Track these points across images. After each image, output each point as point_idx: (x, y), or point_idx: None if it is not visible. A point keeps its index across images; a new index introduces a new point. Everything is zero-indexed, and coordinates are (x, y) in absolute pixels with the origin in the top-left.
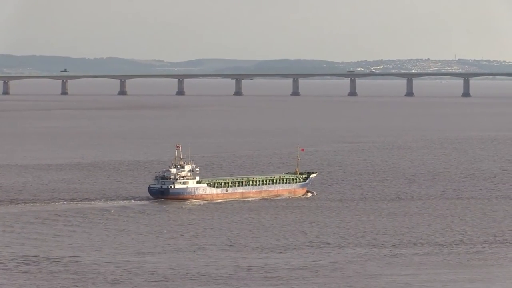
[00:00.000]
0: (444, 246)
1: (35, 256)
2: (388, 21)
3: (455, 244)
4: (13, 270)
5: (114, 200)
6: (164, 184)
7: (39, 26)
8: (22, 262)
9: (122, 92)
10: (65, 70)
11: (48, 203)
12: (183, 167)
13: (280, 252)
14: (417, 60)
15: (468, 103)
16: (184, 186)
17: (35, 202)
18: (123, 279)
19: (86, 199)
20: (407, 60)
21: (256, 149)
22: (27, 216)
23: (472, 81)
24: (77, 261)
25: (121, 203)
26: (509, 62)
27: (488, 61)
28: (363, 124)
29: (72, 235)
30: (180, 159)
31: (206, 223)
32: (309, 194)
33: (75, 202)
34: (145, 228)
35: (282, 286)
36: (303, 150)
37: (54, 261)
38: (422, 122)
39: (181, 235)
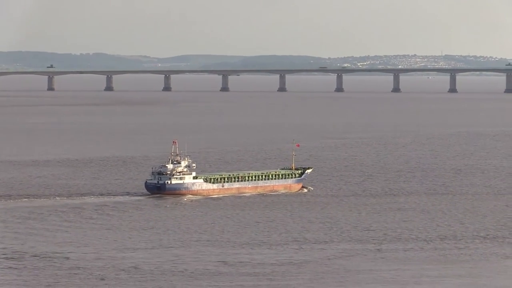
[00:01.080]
0: (431, 242)
1: (25, 252)
2: (375, 17)
3: (442, 240)
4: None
5: (99, 196)
6: (160, 179)
7: (25, 22)
8: (9, 258)
9: (109, 88)
10: (52, 66)
11: (35, 198)
12: (179, 163)
13: (267, 248)
14: (403, 56)
15: (454, 99)
16: (181, 181)
17: (22, 198)
18: (111, 275)
19: (75, 194)
20: (394, 56)
21: (245, 145)
22: (15, 211)
23: (459, 77)
24: (65, 257)
25: (105, 199)
26: (496, 57)
27: (475, 56)
28: (350, 120)
29: (60, 231)
30: (177, 155)
31: (197, 218)
32: (305, 190)
33: (63, 198)
34: (133, 224)
35: (269, 281)
36: (298, 145)
37: (41, 257)
38: (409, 118)
39: (170, 230)
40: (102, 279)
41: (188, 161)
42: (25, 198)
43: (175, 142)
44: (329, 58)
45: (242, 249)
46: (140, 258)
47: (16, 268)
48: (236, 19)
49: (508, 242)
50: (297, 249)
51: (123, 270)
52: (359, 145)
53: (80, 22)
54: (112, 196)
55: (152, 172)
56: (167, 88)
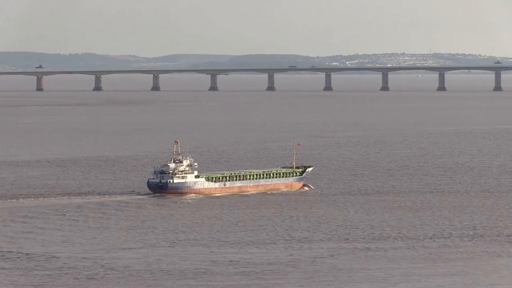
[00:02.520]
0: (422, 240)
1: (14, 252)
2: (363, 16)
3: (432, 238)
4: None
5: (96, 195)
6: (163, 178)
7: (14, 23)
8: None
9: (98, 87)
10: (40, 66)
11: (25, 199)
12: (181, 162)
13: (257, 247)
14: (392, 54)
15: (443, 97)
16: (183, 180)
17: (11, 198)
18: (100, 274)
19: (65, 194)
20: (382, 54)
21: (236, 144)
22: (4, 212)
23: (448, 75)
24: (55, 257)
25: (101, 198)
26: (484, 55)
27: (464, 55)
28: (339, 119)
29: (49, 231)
30: (179, 154)
31: (191, 217)
32: (306, 188)
33: (53, 198)
34: (124, 223)
35: (258, 280)
36: (299, 144)
37: (30, 256)
38: (398, 116)
39: (163, 229)
40: (91, 279)
41: (190, 160)
42: (15, 198)
43: (177, 142)
44: (318, 57)
45: (233, 248)
46: (130, 258)
47: (5, 268)
48: (224, 18)
49: (498, 240)
50: (287, 248)
51: (112, 269)
52: (348, 144)
53: (68, 22)
54: (108, 196)
55: (154, 171)
56: (155, 87)
